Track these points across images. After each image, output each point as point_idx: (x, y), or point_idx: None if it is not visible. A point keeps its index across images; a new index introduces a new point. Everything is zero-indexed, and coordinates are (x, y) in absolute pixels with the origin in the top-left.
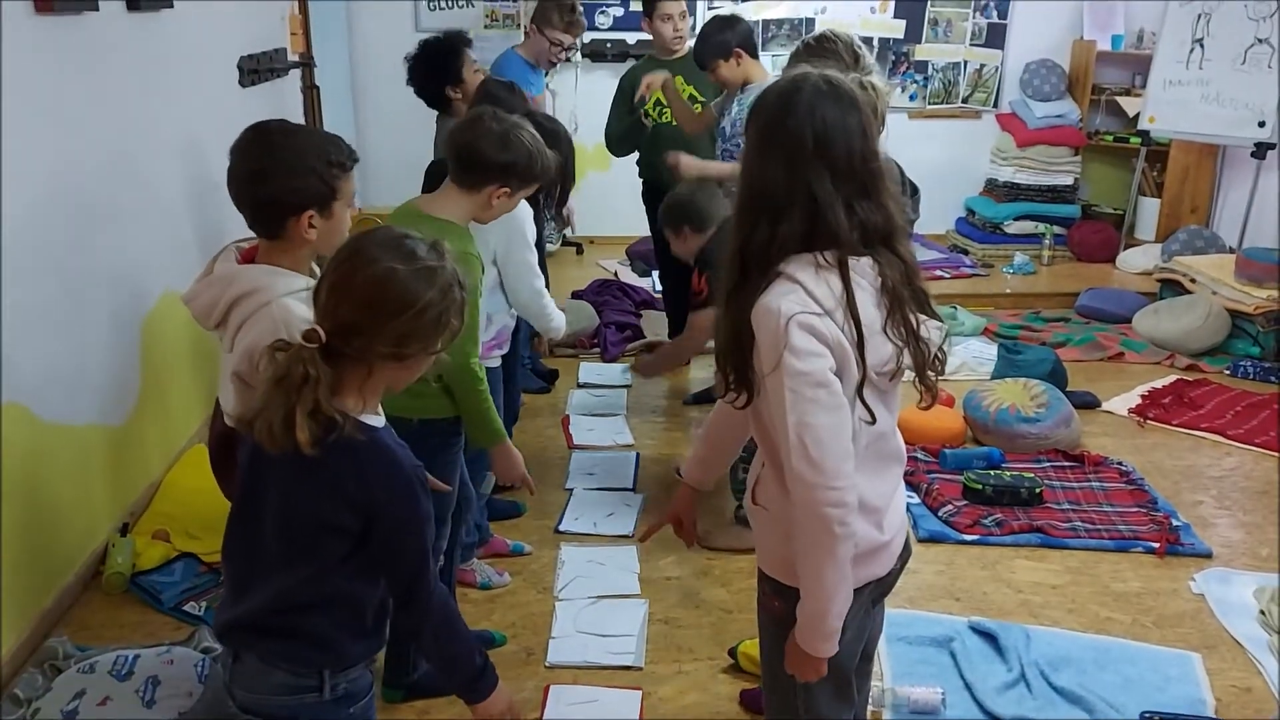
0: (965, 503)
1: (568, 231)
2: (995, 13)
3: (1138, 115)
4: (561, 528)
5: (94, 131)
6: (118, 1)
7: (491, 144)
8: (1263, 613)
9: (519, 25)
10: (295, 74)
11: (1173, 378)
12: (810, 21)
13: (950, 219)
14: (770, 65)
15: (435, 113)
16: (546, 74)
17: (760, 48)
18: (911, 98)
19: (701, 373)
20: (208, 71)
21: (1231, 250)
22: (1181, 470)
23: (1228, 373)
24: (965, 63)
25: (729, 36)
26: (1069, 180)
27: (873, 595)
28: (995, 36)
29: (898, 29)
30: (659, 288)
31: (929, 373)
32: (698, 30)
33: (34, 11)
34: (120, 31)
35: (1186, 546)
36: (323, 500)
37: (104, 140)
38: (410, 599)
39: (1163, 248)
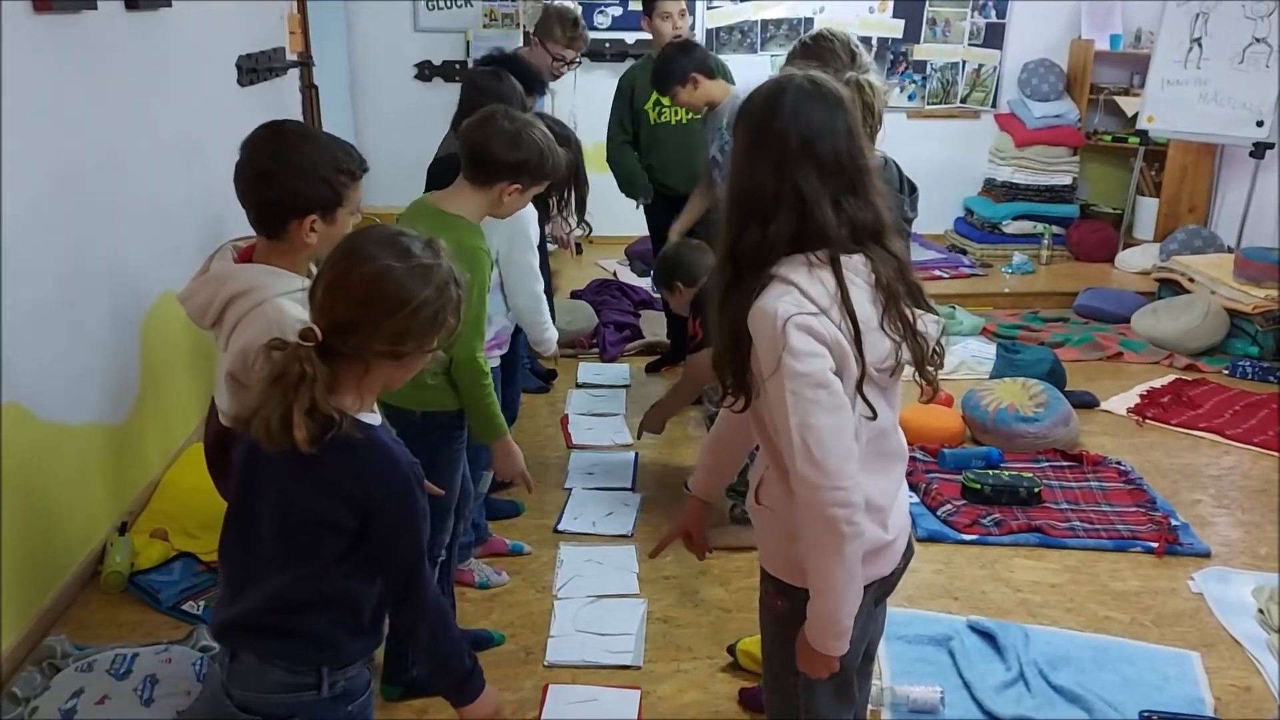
0: (964, 502)
1: (578, 231)
2: (993, 12)
3: (1136, 115)
4: (560, 527)
5: (93, 131)
6: (116, 1)
7: (503, 142)
8: (1261, 611)
9: (518, 25)
10: (294, 73)
11: (1171, 377)
12: (809, 21)
13: (949, 219)
14: (769, 65)
15: (432, 114)
16: (545, 88)
17: (759, 47)
18: (910, 97)
19: None
20: (206, 71)
21: (1230, 250)
22: (1180, 469)
23: (1226, 372)
24: (964, 62)
25: (684, 63)
26: (1067, 180)
27: (876, 595)
28: (994, 36)
29: (896, 28)
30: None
31: (928, 367)
32: (693, 26)
33: (32, 11)
34: (119, 30)
35: (1185, 546)
36: (320, 498)
37: (103, 139)
38: (406, 597)
39: (1161, 247)
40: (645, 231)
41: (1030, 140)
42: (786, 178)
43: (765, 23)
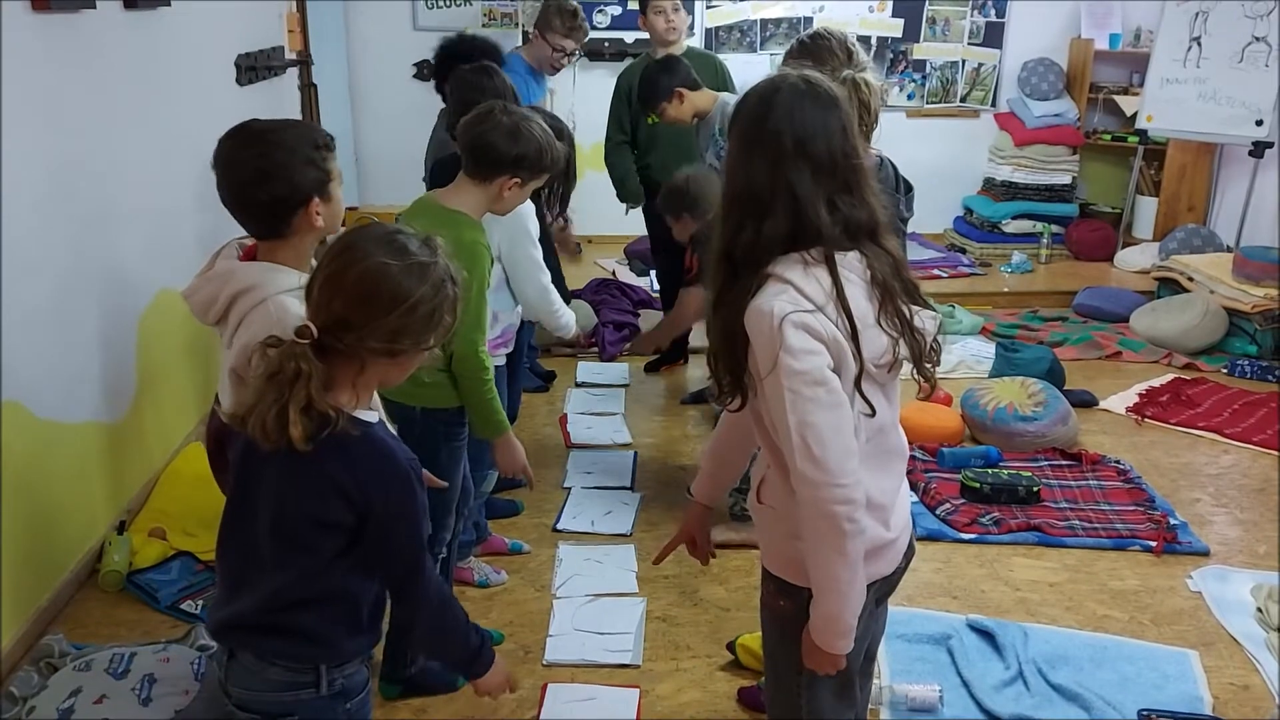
0: (963, 501)
1: (559, 223)
2: (993, 11)
3: (1135, 114)
4: (559, 526)
5: (91, 129)
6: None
7: (502, 136)
8: (1260, 610)
9: (517, 24)
10: (293, 72)
11: (1170, 376)
12: (808, 20)
13: (948, 218)
14: (768, 63)
15: (430, 113)
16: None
17: (759, 46)
18: (910, 97)
19: (698, 372)
20: (205, 70)
21: (1229, 249)
22: (1179, 468)
23: (1225, 371)
24: (963, 61)
25: (666, 80)
26: (1067, 179)
27: (877, 594)
28: (993, 35)
29: (896, 28)
30: (657, 287)
31: (925, 364)
32: (693, 26)
33: (31, 10)
34: (117, 29)
35: (1184, 544)
36: (318, 497)
37: (101, 138)
38: (406, 593)
39: (1160, 246)
40: (644, 231)
41: (1030, 139)
42: (781, 177)
43: (764, 22)
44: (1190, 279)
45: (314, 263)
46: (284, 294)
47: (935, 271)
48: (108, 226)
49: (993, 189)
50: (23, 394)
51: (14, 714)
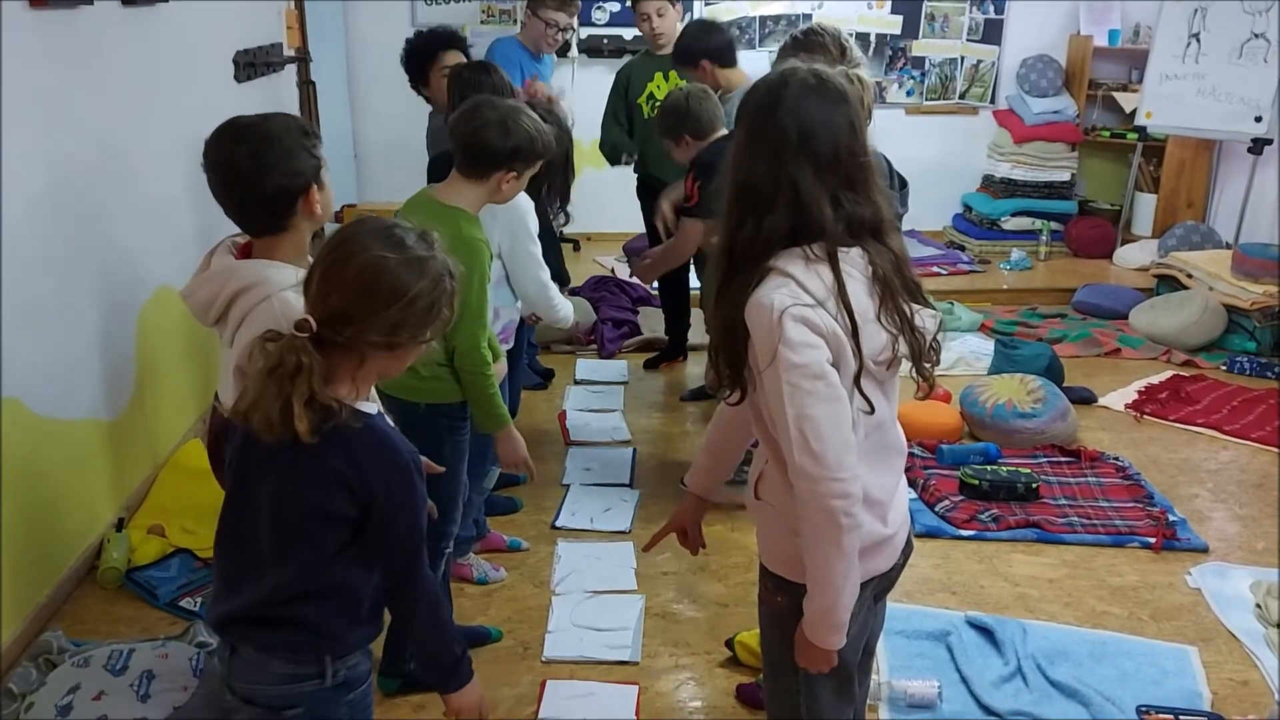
0: (962, 498)
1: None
2: (992, 8)
3: (1134, 110)
4: (558, 523)
5: (89, 126)
6: None
7: (494, 132)
8: (1259, 606)
9: (515, 20)
10: (291, 69)
11: (1169, 373)
12: (807, 17)
13: (947, 215)
14: (767, 60)
15: (429, 110)
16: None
17: (758, 43)
18: (909, 93)
19: (698, 369)
20: (203, 66)
21: (1228, 245)
22: (1178, 465)
23: (1224, 368)
24: (962, 58)
25: (697, 47)
26: (1066, 176)
27: (875, 591)
28: (992, 32)
29: (895, 24)
30: (655, 284)
31: (925, 363)
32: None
33: (28, 6)
34: (115, 26)
35: (1183, 541)
36: (321, 490)
37: (99, 135)
38: (403, 584)
39: (1159, 243)
40: (642, 228)
41: (1029, 136)
42: (784, 172)
43: (763, 18)
44: (1189, 276)
45: (310, 258)
46: (287, 290)
47: (934, 269)
48: (106, 223)
49: (992, 186)
50: (21, 391)
51: (13, 710)
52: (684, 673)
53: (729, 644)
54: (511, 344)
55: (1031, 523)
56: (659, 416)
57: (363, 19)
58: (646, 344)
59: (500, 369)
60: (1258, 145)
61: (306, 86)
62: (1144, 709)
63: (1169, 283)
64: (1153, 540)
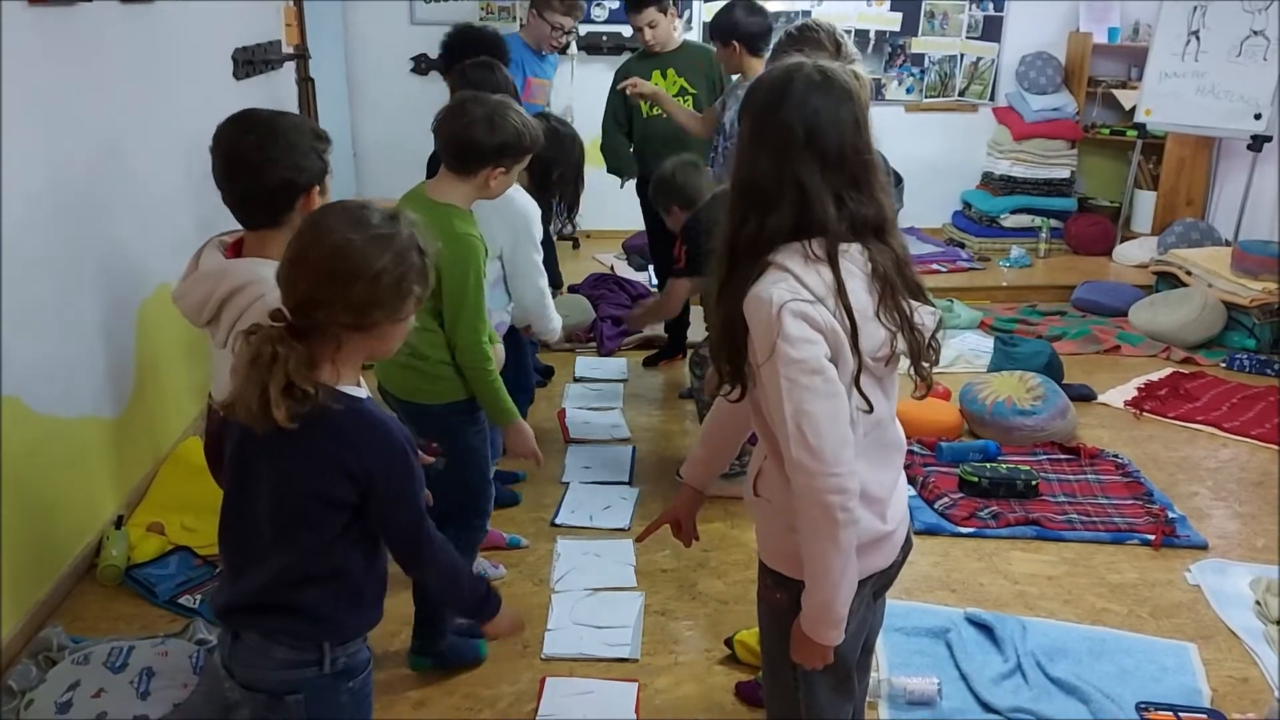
0: (961, 495)
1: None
2: (991, 5)
3: (1134, 108)
4: (557, 521)
5: (88, 124)
6: None
7: (479, 129)
8: (1259, 603)
9: (515, 18)
10: (290, 66)
11: (1168, 370)
12: (806, 14)
13: (947, 212)
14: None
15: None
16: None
17: None
18: (908, 91)
19: None
20: (202, 63)
21: (1227, 243)
22: (1177, 462)
23: (1223, 365)
24: (961, 55)
25: (732, 26)
26: (1065, 173)
27: (875, 588)
28: (991, 29)
29: (894, 21)
30: (655, 282)
31: (923, 363)
32: (691, 20)
33: (27, 4)
34: (113, 23)
35: (1182, 538)
36: (320, 475)
37: (98, 132)
38: (415, 557)
39: (1159, 240)
40: (642, 225)
41: (1028, 133)
42: (788, 169)
43: None
44: (1188, 273)
45: None
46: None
47: (934, 266)
48: (105, 220)
49: (991, 183)
50: (21, 389)
51: (12, 707)
52: (683, 670)
53: (728, 643)
54: (501, 346)
55: (1031, 520)
56: (658, 414)
57: (362, 16)
58: (646, 342)
59: (499, 354)
60: (1257, 142)
61: (305, 84)
62: (1143, 706)
63: (1168, 280)
64: (1152, 537)
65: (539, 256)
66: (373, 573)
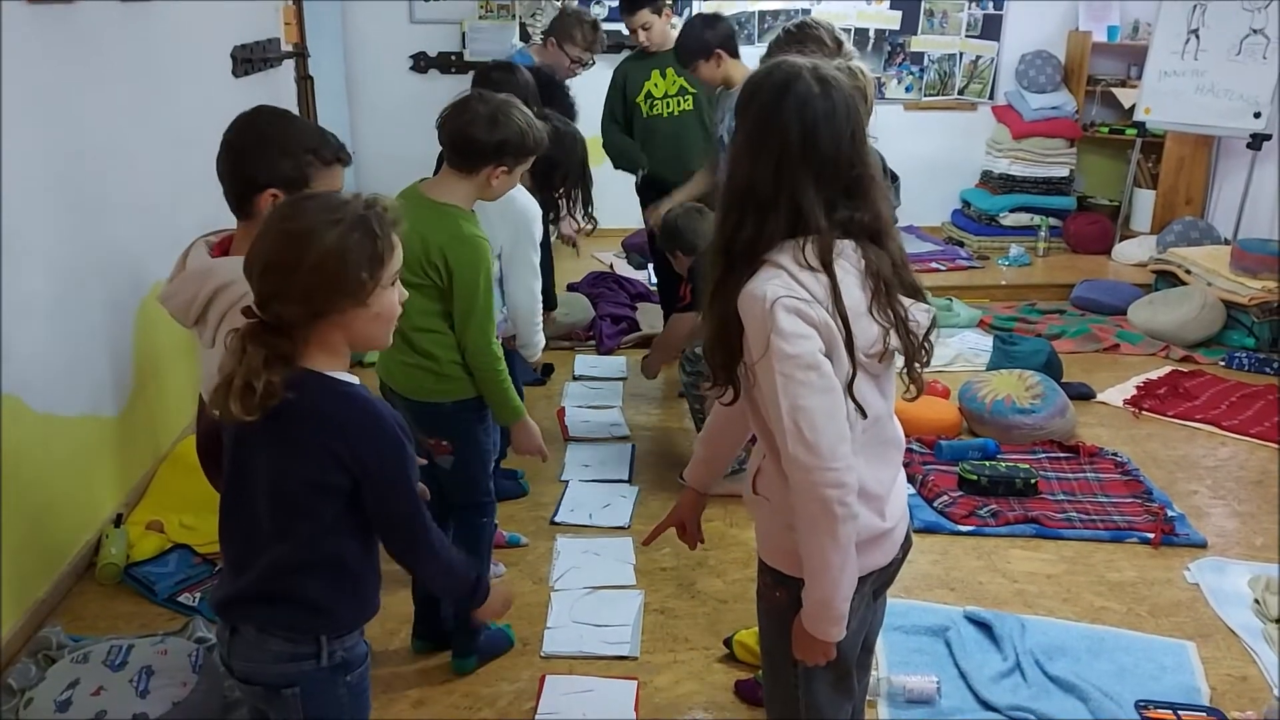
0: (961, 493)
1: (587, 226)
2: (991, 4)
3: (1133, 106)
4: (557, 519)
5: (87, 121)
6: None
7: (482, 126)
8: (1257, 602)
9: (513, 15)
10: (289, 64)
11: (1168, 369)
12: (806, 12)
13: (946, 211)
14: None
15: (427, 105)
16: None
17: (756, 39)
18: (907, 89)
19: None
20: (201, 61)
21: (1226, 242)
22: (1176, 460)
23: (1222, 364)
24: (961, 54)
25: (709, 37)
26: (1064, 172)
27: (874, 586)
28: (991, 28)
29: (894, 20)
30: (654, 280)
31: (916, 364)
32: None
33: (27, 2)
34: (112, 20)
35: (1181, 536)
36: (313, 462)
37: (97, 130)
38: (410, 548)
39: (1158, 239)
40: (642, 224)
41: (1027, 132)
42: (786, 177)
43: (762, 14)
44: (1188, 272)
45: None
46: None
47: (933, 265)
48: (104, 219)
49: (990, 182)
50: (20, 387)
51: (11, 705)
52: (683, 668)
53: (727, 643)
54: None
55: (1030, 518)
56: (657, 412)
57: (361, 15)
58: (645, 340)
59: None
60: (1256, 141)
61: (304, 82)
62: (1142, 704)
63: (1167, 278)
64: (1151, 536)
65: (536, 258)
66: (369, 563)
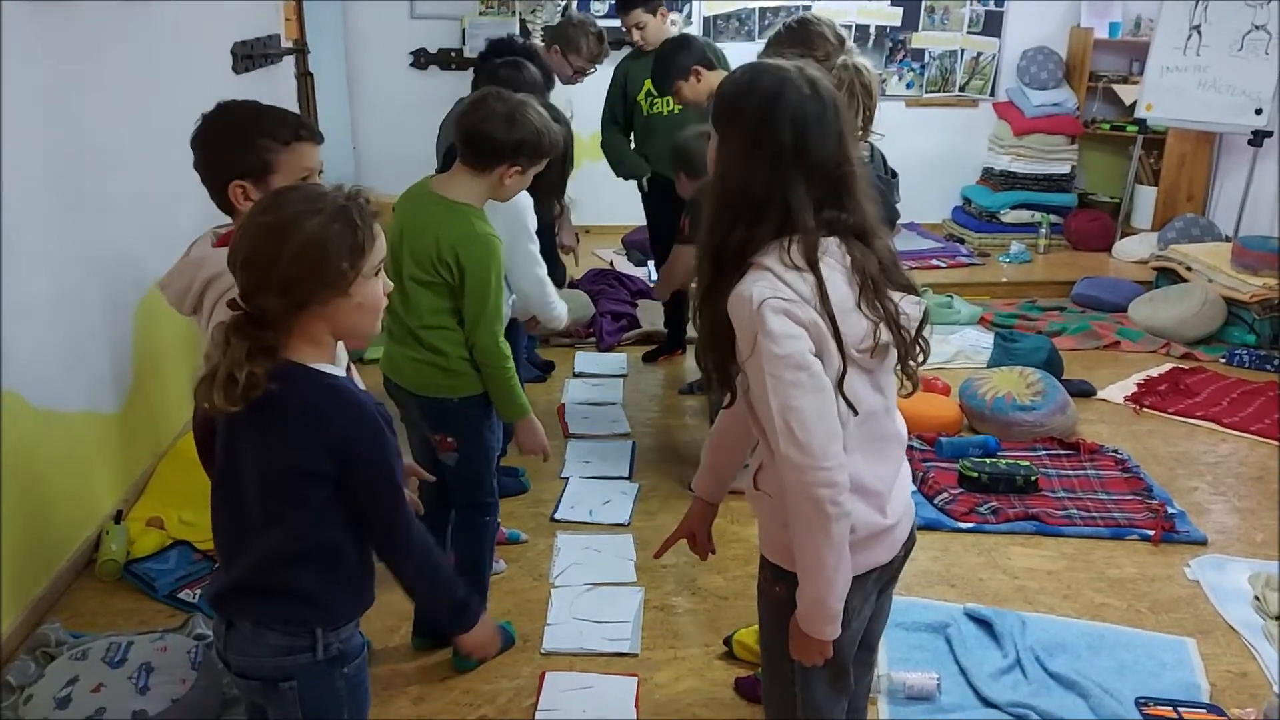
0: (961, 490)
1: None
2: (992, 0)
3: (1135, 103)
4: (557, 516)
5: (87, 118)
6: None
7: (499, 124)
8: (1258, 599)
9: (513, 11)
10: (289, 61)
11: (1168, 366)
12: (807, 8)
13: (947, 208)
14: None
15: (428, 102)
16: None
17: (757, 35)
18: (908, 86)
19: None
20: (201, 58)
21: (1227, 238)
22: (1176, 457)
23: (1223, 360)
24: (962, 50)
25: (684, 58)
26: (1065, 169)
27: (878, 583)
28: (992, 24)
29: (895, 16)
30: (654, 279)
31: (910, 360)
32: (691, 14)
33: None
34: (112, 19)
35: (1181, 533)
36: (298, 449)
37: (97, 127)
38: (392, 540)
39: (1159, 236)
40: (642, 220)
41: (1028, 129)
42: (778, 182)
43: (762, 10)
44: (1188, 268)
45: None
46: None
47: (934, 262)
48: (104, 215)
49: (991, 179)
50: (20, 384)
51: (11, 702)
52: (683, 665)
53: (727, 642)
54: None
55: (1030, 515)
56: (658, 409)
57: (361, 11)
58: (645, 337)
59: None
60: (1258, 138)
61: (304, 78)
62: (1142, 701)
63: (1168, 275)
64: (1151, 533)
65: (535, 246)
66: (362, 554)
